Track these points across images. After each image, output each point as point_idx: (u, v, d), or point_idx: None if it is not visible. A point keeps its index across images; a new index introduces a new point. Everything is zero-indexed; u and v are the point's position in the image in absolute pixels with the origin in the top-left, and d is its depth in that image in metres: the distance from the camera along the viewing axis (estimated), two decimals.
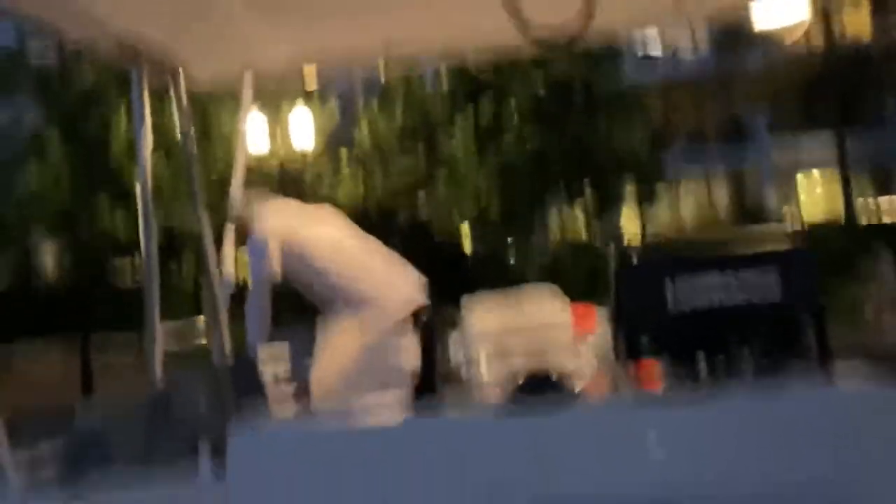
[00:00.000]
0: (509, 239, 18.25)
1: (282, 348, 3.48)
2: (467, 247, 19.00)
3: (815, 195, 25.50)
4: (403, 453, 2.44)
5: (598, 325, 3.22)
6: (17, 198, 17.27)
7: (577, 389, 2.81)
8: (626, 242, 18.89)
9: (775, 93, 23.25)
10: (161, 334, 3.32)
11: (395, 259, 4.09)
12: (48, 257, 19.97)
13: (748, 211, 23.83)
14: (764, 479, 2.33)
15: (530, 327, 3.19)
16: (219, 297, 3.68)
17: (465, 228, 18.61)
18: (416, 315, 3.58)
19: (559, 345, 3.11)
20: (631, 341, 2.85)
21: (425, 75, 17.45)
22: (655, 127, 21.07)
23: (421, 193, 17.47)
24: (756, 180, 25.84)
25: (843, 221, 20.45)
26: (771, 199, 25.53)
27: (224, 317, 3.66)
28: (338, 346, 3.64)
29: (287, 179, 14.53)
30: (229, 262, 3.89)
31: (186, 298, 15.65)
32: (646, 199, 20.00)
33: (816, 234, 18.31)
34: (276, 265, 3.84)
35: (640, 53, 24.10)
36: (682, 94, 24.71)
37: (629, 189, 19.34)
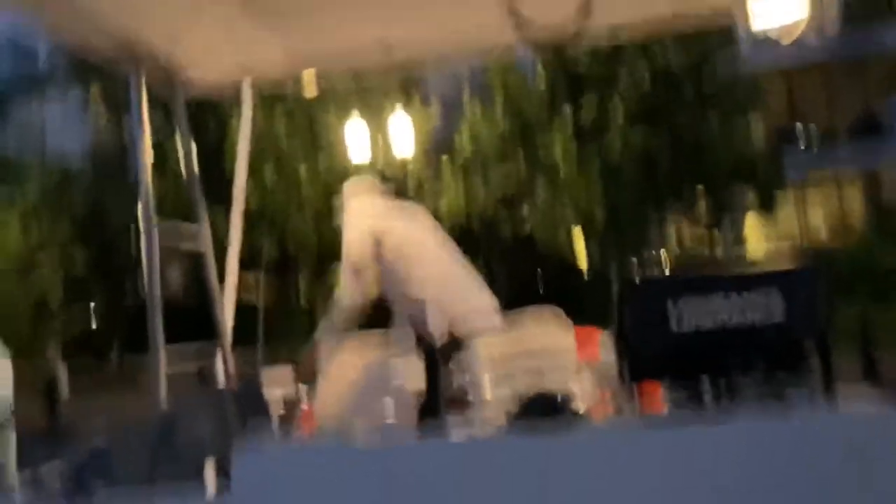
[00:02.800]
0: (623, 254, 17.25)
1: (286, 370, 3.46)
2: (582, 261, 18.23)
3: None
4: (408, 475, 2.41)
5: (602, 347, 3.12)
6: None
7: (581, 412, 2.72)
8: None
9: None
10: (165, 354, 3.32)
11: (473, 275, 3.96)
12: (175, 270, 20.20)
13: (886, 218, 21.38)
14: (770, 501, 2.25)
15: (534, 350, 3.11)
16: (222, 316, 3.67)
17: (579, 241, 17.80)
18: (419, 337, 3.54)
19: (563, 367, 3.02)
20: (633, 362, 2.77)
21: (524, 72, 16.96)
22: (777, 123, 19.52)
23: (523, 203, 17.02)
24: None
25: None
26: None
27: (228, 337, 3.65)
28: (341, 367, 3.61)
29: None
30: (231, 282, 3.87)
31: (303, 318, 15.56)
32: (766, 207, 18.61)
33: None
34: (364, 294, 3.77)
35: (756, 36, 22.03)
36: (807, 81, 22.24)
37: (749, 197, 18.15)
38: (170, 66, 3.66)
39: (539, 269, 16.90)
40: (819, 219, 23.11)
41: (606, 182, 16.11)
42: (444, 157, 16.85)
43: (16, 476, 3.10)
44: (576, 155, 16.22)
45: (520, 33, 3.36)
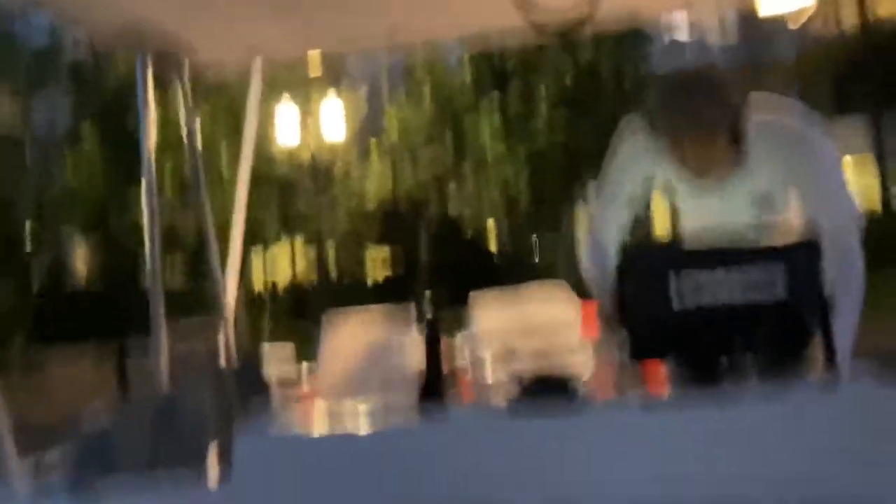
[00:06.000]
0: (534, 235, 17.80)
1: (287, 349, 3.46)
2: (492, 243, 18.65)
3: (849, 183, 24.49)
4: (411, 457, 2.42)
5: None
6: (53, 196, 17.26)
7: (583, 390, 2.74)
8: None
9: (807, 77, 22.49)
10: (165, 337, 3.31)
11: None
12: (82, 257, 19.85)
13: None
14: (773, 481, 2.28)
15: (538, 326, 3.13)
16: (223, 297, 3.66)
17: (491, 223, 18.30)
18: (420, 314, 3.55)
19: (567, 344, 3.04)
20: (634, 340, 2.78)
21: (450, 63, 17.30)
22: None
23: (450, 186, 17.25)
24: None
25: (879, 210, 19.83)
26: None
27: (230, 319, 3.64)
28: (342, 346, 3.62)
29: (317, 173, 14.49)
30: (235, 263, 3.86)
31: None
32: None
33: None
34: None
35: (666, 39, 23.47)
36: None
37: None
38: (177, 47, 3.61)
39: (460, 252, 17.11)
40: None
41: (530, 167, 16.54)
42: (373, 140, 16.96)
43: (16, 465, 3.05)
44: (501, 139, 16.54)
45: (527, 18, 3.37)
